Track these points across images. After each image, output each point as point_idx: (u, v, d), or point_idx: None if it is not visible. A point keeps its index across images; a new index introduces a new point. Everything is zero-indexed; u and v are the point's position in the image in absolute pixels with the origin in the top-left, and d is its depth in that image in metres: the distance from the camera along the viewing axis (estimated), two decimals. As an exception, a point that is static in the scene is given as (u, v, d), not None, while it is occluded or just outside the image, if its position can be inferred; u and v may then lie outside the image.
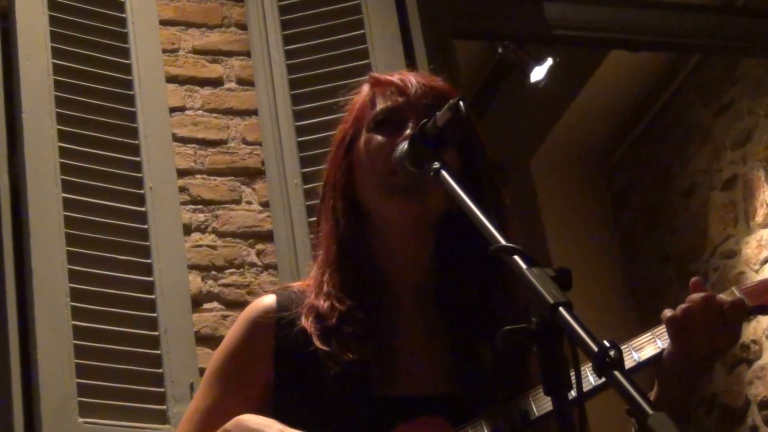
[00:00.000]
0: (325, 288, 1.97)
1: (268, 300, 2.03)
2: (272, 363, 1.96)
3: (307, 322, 1.94)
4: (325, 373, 1.90)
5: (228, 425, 1.84)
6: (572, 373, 1.45)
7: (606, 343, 1.39)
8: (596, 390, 1.79)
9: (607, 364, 1.38)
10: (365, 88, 2.09)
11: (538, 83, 5.96)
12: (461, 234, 1.94)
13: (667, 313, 1.87)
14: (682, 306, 1.86)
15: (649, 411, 1.33)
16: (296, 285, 2.06)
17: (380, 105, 2.03)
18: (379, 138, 1.99)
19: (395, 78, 2.05)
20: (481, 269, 1.95)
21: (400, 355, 1.94)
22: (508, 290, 1.95)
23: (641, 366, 1.88)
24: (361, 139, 2.02)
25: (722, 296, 1.90)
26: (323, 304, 1.96)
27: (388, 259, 2.00)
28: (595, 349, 1.39)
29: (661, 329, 1.88)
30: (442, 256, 2.01)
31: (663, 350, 1.86)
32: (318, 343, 1.91)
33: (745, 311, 1.90)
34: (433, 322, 1.99)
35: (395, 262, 2.00)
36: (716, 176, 6.12)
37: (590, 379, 1.79)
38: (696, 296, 1.87)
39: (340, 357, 1.90)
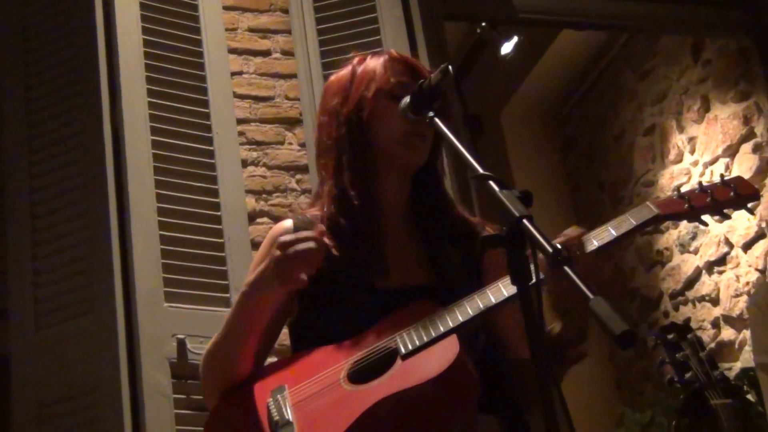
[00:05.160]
0: (333, 209, 1.95)
1: (287, 223, 2.02)
2: None
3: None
4: (335, 275, 1.90)
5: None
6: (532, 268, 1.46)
7: (558, 245, 1.41)
8: (545, 281, 1.76)
9: (559, 261, 1.39)
10: (384, 59, 2.04)
11: (507, 55, 5.91)
12: (428, 180, 2.01)
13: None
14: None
15: (590, 296, 1.34)
16: (309, 211, 2.04)
17: (399, 80, 1.99)
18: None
19: (409, 60, 2.04)
20: (443, 201, 2.01)
21: (392, 259, 1.95)
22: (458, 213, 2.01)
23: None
24: (382, 103, 1.98)
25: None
26: (332, 223, 1.94)
27: (384, 192, 1.99)
28: (551, 250, 1.40)
29: (596, 231, 1.83)
30: (416, 194, 2.01)
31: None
32: (329, 253, 1.89)
33: (582, 239, 1.79)
34: (414, 235, 1.99)
35: (389, 194, 1.99)
36: (639, 125, 6.10)
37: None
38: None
39: (348, 262, 1.90)
